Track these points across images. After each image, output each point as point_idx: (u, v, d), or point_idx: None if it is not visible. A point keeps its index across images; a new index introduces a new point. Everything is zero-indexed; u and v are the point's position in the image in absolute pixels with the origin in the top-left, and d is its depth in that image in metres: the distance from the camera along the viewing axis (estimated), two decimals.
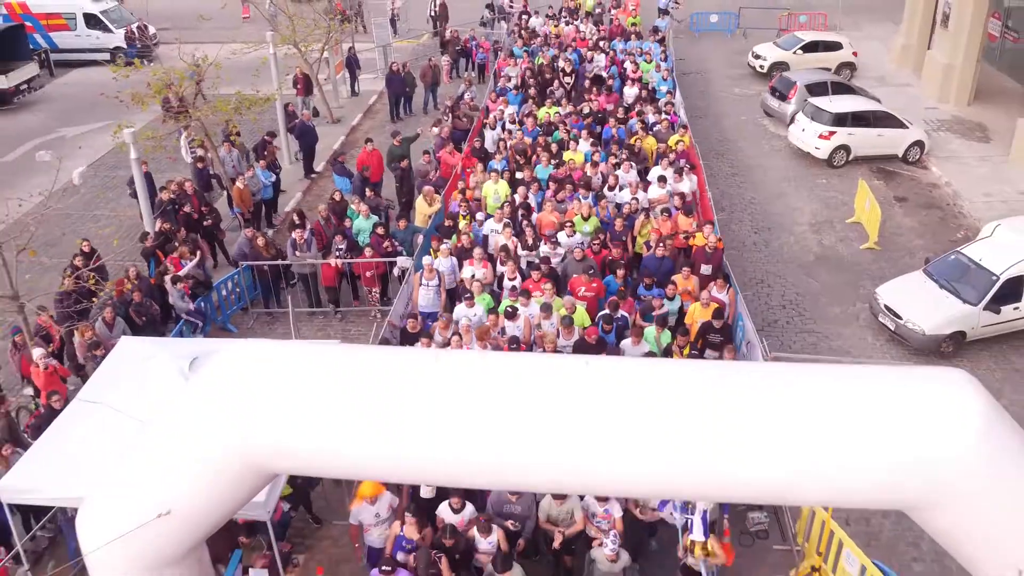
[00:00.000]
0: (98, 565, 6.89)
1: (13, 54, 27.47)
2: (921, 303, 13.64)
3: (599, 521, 9.23)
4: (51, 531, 10.59)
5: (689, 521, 8.63)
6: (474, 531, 9.05)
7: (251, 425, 6.03)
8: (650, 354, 11.34)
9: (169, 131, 18.10)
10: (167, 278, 13.47)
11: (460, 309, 12.46)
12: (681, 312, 12.81)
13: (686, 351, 11.85)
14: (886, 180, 19.97)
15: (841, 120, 20.18)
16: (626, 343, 11.64)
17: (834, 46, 26.88)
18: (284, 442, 6.08)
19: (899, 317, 13.67)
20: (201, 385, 6.31)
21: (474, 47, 27.48)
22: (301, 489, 10.46)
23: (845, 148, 20.24)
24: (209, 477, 6.24)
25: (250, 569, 9.22)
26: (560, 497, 8.98)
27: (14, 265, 11.49)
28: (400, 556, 9.00)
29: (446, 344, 11.54)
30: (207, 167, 17.51)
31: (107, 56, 31.10)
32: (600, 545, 8.86)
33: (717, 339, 11.75)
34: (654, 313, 12.14)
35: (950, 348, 13.60)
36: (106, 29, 30.85)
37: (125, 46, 30.55)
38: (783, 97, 22.76)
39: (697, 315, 12.28)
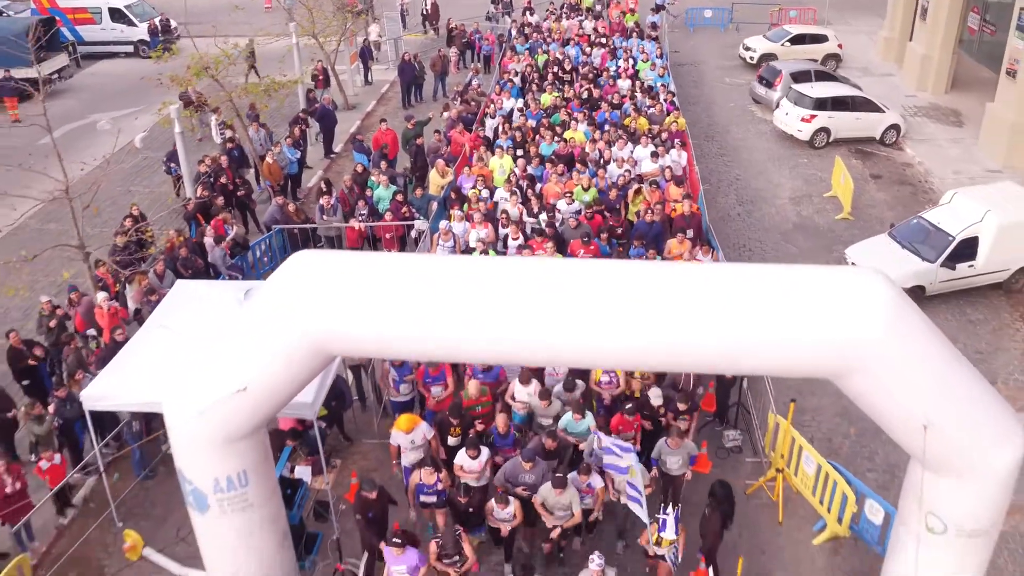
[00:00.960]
0: (181, 442, 8.44)
1: (47, 45, 29.03)
2: (885, 261, 15.11)
3: (583, 496, 9.78)
4: (115, 448, 12.12)
5: (663, 521, 9.15)
6: (492, 503, 9.62)
7: (315, 314, 7.58)
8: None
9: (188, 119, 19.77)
10: (208, 239, 15.07)
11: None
12: None
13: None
14: (863, 160, 21.55)
15: (822, 104, 21.76)
16: None
17: (820, 39, 28.49)
18: (341, 328, 7.64)
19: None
20: (275, 283, 7.88)
21: (478, 40, 29.06)
22: (335, 411, 12.04)
23: (825, 130, 21.83)
24: (279, 358, 7.79)
25: (296, 467, 10.81)
26: (560, 487, 9.37)
27: (80, 219, 13.07)
28: (422, 498, 9.97)
29: None
30: (237, 146, 19.09)
31: (130, 48, 32.86)
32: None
33: None
34: None
35: (915, 299, 15.11)
36: (130, 23, 32.50)
37: (148, 39, 32.24)
38: (770, 85, 24.34)
39: None
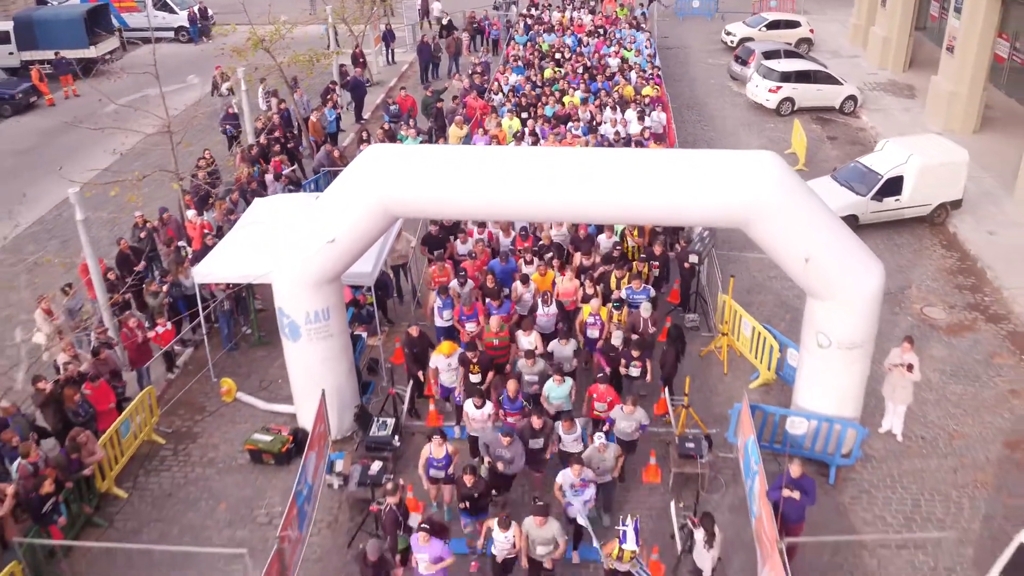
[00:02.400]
0: (284, 286, 11.71)
1: (99, 29, 32.44)
2: (825, 195, 18.22)
3: (577, 491, 10.12)
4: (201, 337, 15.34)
5: (623, 532, 9.24)
6: (493, 523, 9.63)
7: (386, 185, 10.86)
8: (617, 242, 15.46)
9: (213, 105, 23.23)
10: (269, 176, 18.36)
11: None
12: None
13: (635, 233, 16.17)
14: (822, 125, 24.82)
15: (787, 77, 25.03)
16: (602, 237, 15.48)
17: (793, 24, 31.79)
18: (403, 195, 10.93)
19: None
20: (357, 165, 11.16)
21: (487, 26, 32.38)
22: (380, 299, 15.27)
23: (790, 100, 25.10)
24: (359, 217, 11.08)
25: (352, 332, 14.08)
26: (542, 515, 9.42)
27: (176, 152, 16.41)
28: (432, 472, 10.71)
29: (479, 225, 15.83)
30: (285, 108, 22.39)
31: (171, 34, 36.20)
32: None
33: (659, 233, 15.87)
34: None
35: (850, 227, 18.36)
36: (171, 11, 35.87)
37: (188, 25, 35.60)
38: (744, 63, 27.60)
39: None
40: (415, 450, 12.64)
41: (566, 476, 10.18)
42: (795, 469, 9.92)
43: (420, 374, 12.97)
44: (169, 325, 14.13)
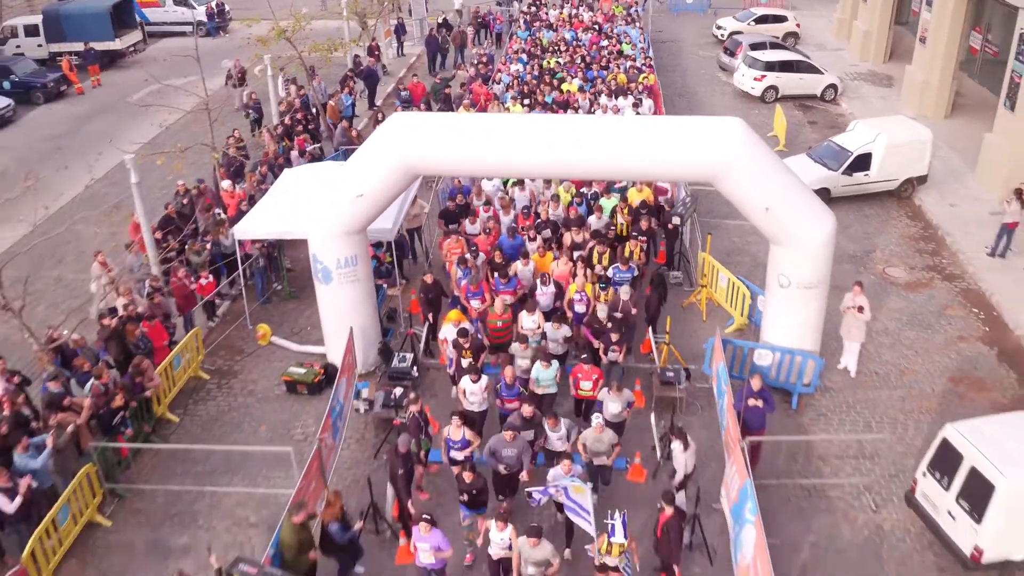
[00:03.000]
0: (318, 236, 13.47)
1: (123, 23, 34.30)
2: (801, 171, 20.08)
3: (572, 477, 10.20)
4: (237, 291, 17.11)
5: (611, 526, 9.46)
6: (491, 524, 9.88)
7: (407, 146, 12.64)
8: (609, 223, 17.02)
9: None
10: (294, 152, 20.17)
11: (488, 182, 18.69)
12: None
13: (625, 211, 17.79)
14: (804, 111, 26.61)
15: (771, 67, 26.81)
16: (592, 218, 16.78)
17: (781, 19, 33.60)
18: (422, 155, 12.71)
19: None
20: (382, 130, 12.94)
21: (491, 20, 34.20)
22: (398, 258, 17.05)
23: (774, 88, 26.87)
24: (384, 174, 12.86)
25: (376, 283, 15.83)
26: (535, 537, 9.35)
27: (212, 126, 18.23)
28: (452, 454, 11.29)
29: (485, 203, 17.52)
30: (305, 94, 24.20)
31: (189, 28, 37.96)
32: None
33: (643, 212, 17.51)
34: (616, 185, 18.29)
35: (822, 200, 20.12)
36: (190, 6, 37.68)
37: (205, 20, 37.43)
38: (732, 54, 29.40)
39: (633, 197, 18.18)
40: (430, 381, 14.46)
41: (556, 474, 10.36)
42: (756, 382, 11.70)
43: (431, 316, 14.75)
44: (211, 278, 15.93)
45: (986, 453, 10.21)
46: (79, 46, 32.35)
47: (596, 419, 11.08)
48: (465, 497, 10.61)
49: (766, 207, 12.40)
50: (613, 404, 11.83)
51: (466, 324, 13.38)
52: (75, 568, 11.30)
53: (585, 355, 12.71)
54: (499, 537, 9.82)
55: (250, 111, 24.36)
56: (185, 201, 17.64)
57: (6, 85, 29.71)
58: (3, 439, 11.43)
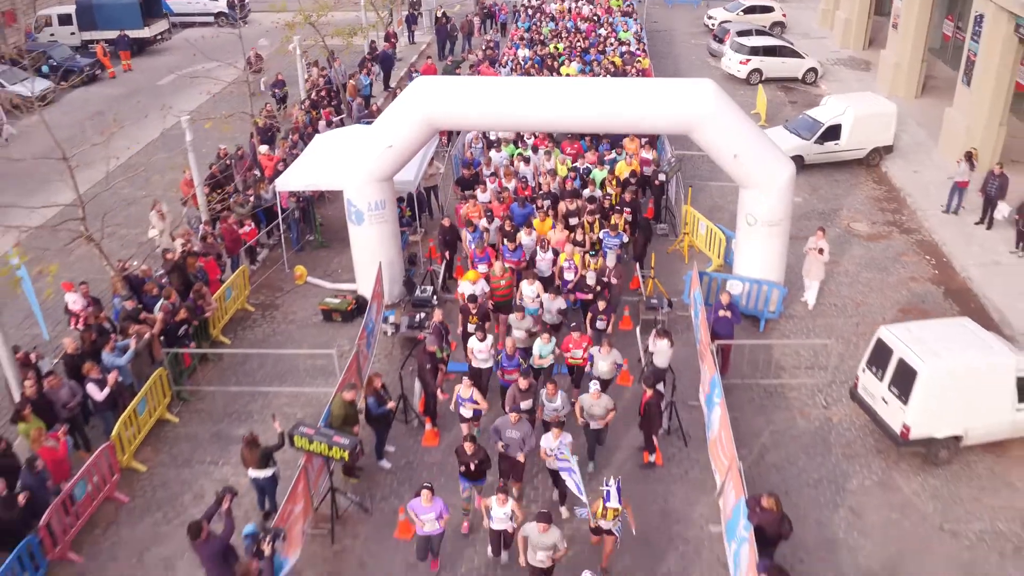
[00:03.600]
0: (354, 181, 15.66)
1: (151, 13, 36.53)
2: (778, 140, 22.20)
3: (561, 443, 10.97)
4: (275, 240, 19.32)
5: (607, 492, 10.01)
6: (491, 500, 10.35)
7: (429, 104, 14.84)
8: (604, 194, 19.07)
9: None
10: (322, 122, 22.38)
11: (495, 154, 20.82)
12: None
13: (613, 183, 19.91)
14: (786, 92, 28.82)
15: (755, 51, 29.01)
16: (585, 190, 19.01)
17: (768, 9, 35.80)
18: (442, 111, 14.90)
19: None
20: (407, 91, 15.13)
21: (496, 10, 36.44)
22: (415, 213, 19.25)
23: (758, 71, 29.07)
24: (409, 128, 15.04)
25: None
26: (545, 522, 9.62)
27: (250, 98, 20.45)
28: (461, 411, 12.25)
29: (492, 175, 19.60)
30: (327, 75, 26.42)
31: (211, 19, 40.22)
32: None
33: (631, 182, 19.65)
34: (606, 158, 20.42)
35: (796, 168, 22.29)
36: None
37: (227, 11, 39.63)
38: (721, 41, 31.61)
39: (622, 169, 20.24)
40: (447, 313, 16.60)
41: (547, 440, 11.13)
42: (724, 298, 13.89)
43: (448, 255, 16.93)
44: (253, 226, 18.13)
45: (911, 347, 12.38)
46: (111, 34, 34.59)
47: (594, 385, 11.81)
48: (463, 469, 11.10)
49: (734, 154, 14.58)
50: (603, 362, 12.79)
51: (477, 289, 14.65)
52: (150, 453, 13.48)
53: (575, 323, 13.62)
54: (500, 512, 10.33)
55: (275, 90, 26.57)
56: (228, 163, 19.85)
57: (44, 69, 31.92)
58: (91, 344, 13.63)
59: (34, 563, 10.97)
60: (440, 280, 17.07)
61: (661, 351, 13.22)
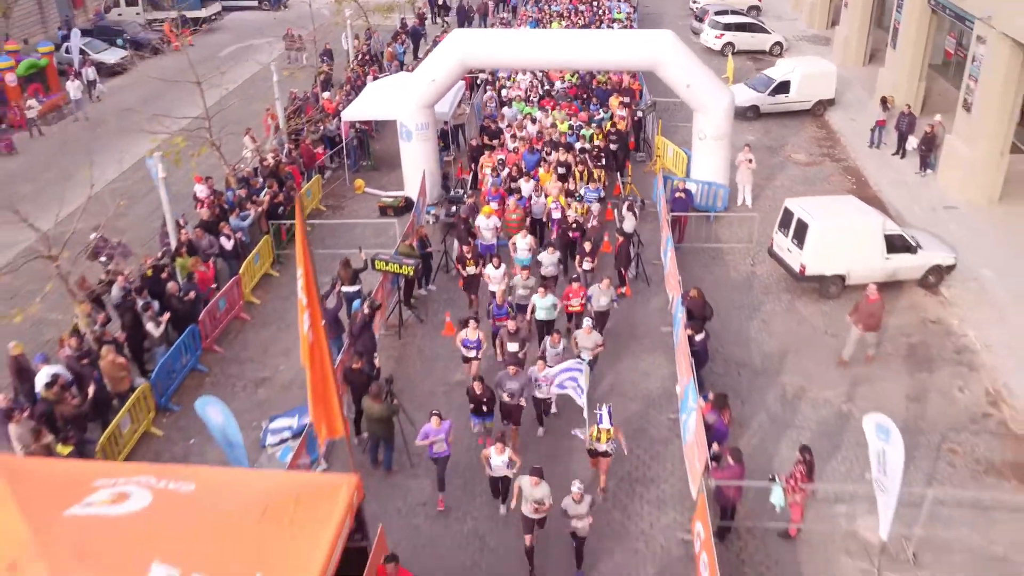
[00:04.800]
0: (409, 106, 20.88)
1: None
2: (740, 94, 27.46)
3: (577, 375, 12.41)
4: (337, 163, 24.55)
5: (599, 415, 11.02)
6: (491, 450, 11.39)
7: (462, 48, 20.06)
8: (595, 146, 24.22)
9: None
10: (370, 78, 27.63)
11: (507, 110, 25.93)
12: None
13: (600, 137, 25.03)
14: (754, 61, 33.99)
15: (728, 27, 34.24)
16: (578, 144, 24.62)
17: None
18: (472, 53, 20.13)
19: None
20: (445, 40, 20.35)
21: None
22: (447, 144, 24.44)
23: (731, 44, 34.25)
24: (446, 67, 20.23)
25: None
26: (537, 476, 10.56)
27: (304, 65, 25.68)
28: (464, 351, 14.14)
29: (508, 126, 24.72)
30: (368, 45, 31.73)
31: (256, 2, 45.51)
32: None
33: (612, 137, 24.84)
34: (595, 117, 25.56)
35: (753, 116, 27.49)
36: None
37: None
38: (701, 20, 36.83)
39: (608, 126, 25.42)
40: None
41: (532, 371, 12.99)
42: (679, 184, 19.06)
43: (473, 167, 22.13)
44: (322, 150, 23.40)
45: (806, 210, 17.52)
46: (172, 13, 39.90)
47: (587, 322, 13.94)
48: (473, 407, 12.83)
49: (687, 84, 19.77)
50: (603, 297, 15.20)
51: (492, 222, 18.27)
52: (261, 293, 18.68)
53: (576, 275, 16.44)
54: (499, 460, 11.42)
55: (324, 59, 31.85)
56: (298, 104, 25.18)
57: (119, 41, 37.30)
58: (217, 217, 18.83)
59: (194, 345, 16.19)
60: (468, 186, 22.25)
61: (628, 220, 18.35)
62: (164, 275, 16.32)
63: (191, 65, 21.37)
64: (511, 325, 13.91)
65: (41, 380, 13.38)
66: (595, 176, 20.33)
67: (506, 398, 12.81)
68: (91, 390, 13.41)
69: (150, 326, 15.22)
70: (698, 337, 14.41)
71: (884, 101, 24.85)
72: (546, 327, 14.85)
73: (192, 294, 16.17)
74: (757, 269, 19.16)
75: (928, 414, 14.67)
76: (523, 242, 17.16)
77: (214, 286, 17.27)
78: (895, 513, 11.00)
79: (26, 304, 15.20)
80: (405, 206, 21.70)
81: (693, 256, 19.40)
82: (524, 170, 20.78)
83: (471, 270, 16.58)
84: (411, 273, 16.33)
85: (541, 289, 14.95)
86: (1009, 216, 21.12)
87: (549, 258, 16.62)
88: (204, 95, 20.65)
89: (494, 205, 18.89)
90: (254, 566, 7.84)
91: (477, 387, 12.62)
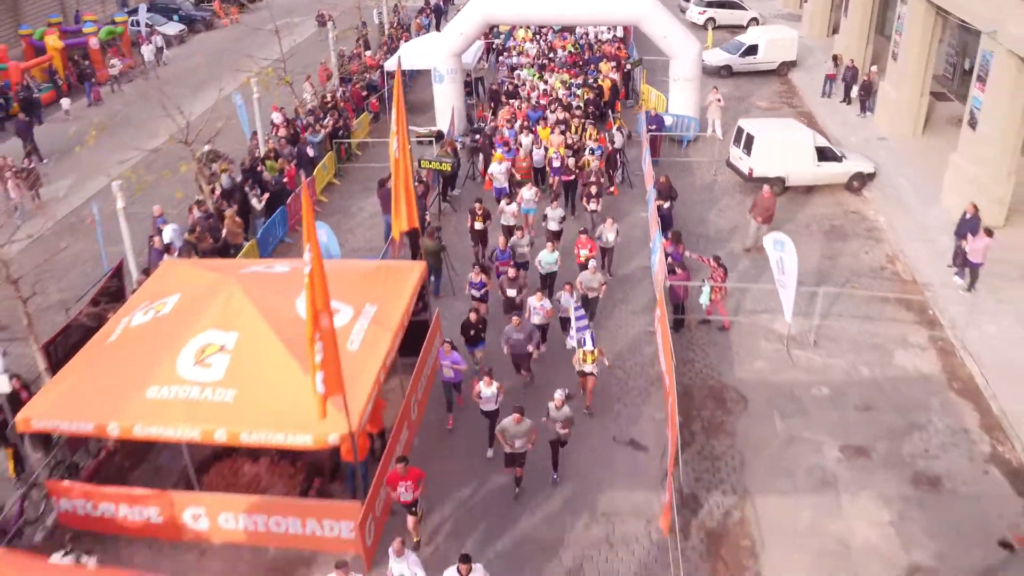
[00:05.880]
0: (442, 52, 25.98)
1: None
2: (715, 55, 32.53)
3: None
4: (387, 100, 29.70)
5: (583, 339, 12.22)
6: (480, 384, 12.24)
7: (485, 6, 25.14)
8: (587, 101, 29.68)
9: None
10: (401, 42, 32.79)
11: (521, 72, 30.98)
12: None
13: (589, 93, 30.02)
14: (732, 33, 38.99)
15: (711, 4, 39.40)
16: (575, 102, 29.84)
17: None
18: (492, 11, 25.22)
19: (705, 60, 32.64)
20: (470, 3, 25.54)
21: None
22: (472, 91, 29.51)
23: (712, 19, 39.36)
24: (472, 21, 25.35)
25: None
26: (519, 414, 11.29)
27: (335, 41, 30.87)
28: (470, 291, 15.63)
29: (521, 84, 29.97)
30: (397, 19, 36.91)
31: None
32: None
33: (595, 88, 30.17)
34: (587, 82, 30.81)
35: (726, 74, 32.53)
36: None
37: None
38: (688, 1, 41.97)
39: (605, 85, 30.73)
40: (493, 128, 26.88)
41: (531, 301, 14.57)
42: (653, 111, 24.11)
43: (493, 107, 27.17)
44: (366, 93, 28.55)
45: (754, 126, 22.58)
46: None
47: (592, 263, 15.47)
48: (465, 338, 14.14)
49: (664, 35, 24.84)
50: (610, 233, 17.53)
51: (503, 167, 22.11)
52: (329, 194, 23.75)
53: (583, 228, 21.04)
54: (488, 392, 12.24)
55: (363, 24, 37.01)
56: (344, 61, 30.36)
57: (175, 17, 42.53)
58: (292, 136, 23.89)
59: (284, 224, 21.24)
60: (489, 119, 27.29)
61: (618, 137, 23.42)
62: (259, 168, 21.41)
63: (257, 26, 26.38)
64: (511, 272, 15.28)
65: (168, 234, 18.28)
66: (592, 135, 24.65)
67: (506, 351, 13.96)
68: (221, 234, 18.47)
69: (253, 201, 20.27)
70: (665, 206, 19.47)
71: (835, 59, 29.93)
72: (549, 278, 16.59)
73: (284, 180, 21.30)
74: (719, 178, 24.19)
75: (839, 266, 19.65)
76: (528, 192, 19.43)
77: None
78: (800, 309, 15.98)
79: (174, 170, 20.78)
80: (437, 135, 26.76)
81: (668, 168, 24.28)
82: (527, 125, 25.04)
83: (479, 225, 18.51)
84: (448, 169, 21.39)
85: (549, 244, 16.62)
86: (927, 147, 26.09)
87: (554, 213, 18.25)
88: (281, 41, 25.72)
89: (502, 151, 23.08)
90: (373, 299, 13.20)
91: (472, 316, 14.05)
